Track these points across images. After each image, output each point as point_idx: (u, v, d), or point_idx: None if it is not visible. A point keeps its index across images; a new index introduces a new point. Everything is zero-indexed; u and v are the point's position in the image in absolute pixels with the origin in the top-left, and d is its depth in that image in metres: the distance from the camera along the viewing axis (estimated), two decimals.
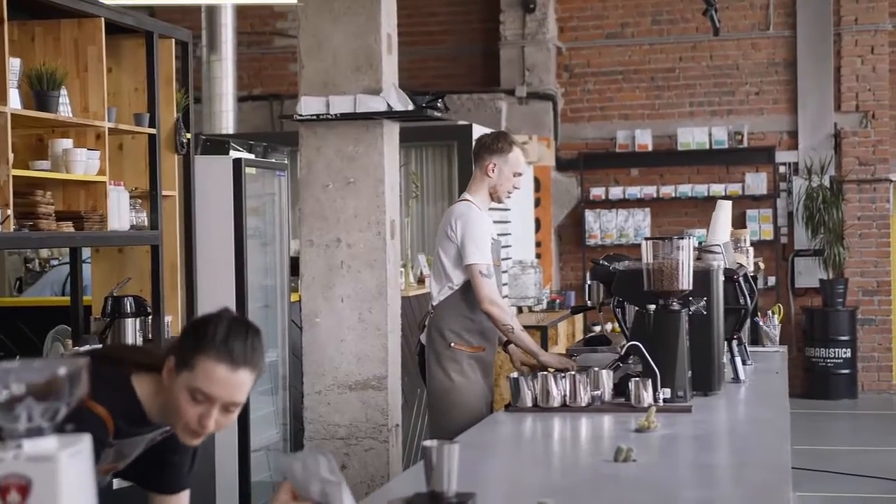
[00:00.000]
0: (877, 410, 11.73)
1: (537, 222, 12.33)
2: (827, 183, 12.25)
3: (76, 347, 5.28)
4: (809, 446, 9.56)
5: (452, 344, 5.12)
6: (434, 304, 5.22)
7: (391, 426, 5.41)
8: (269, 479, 6.61)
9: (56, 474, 1.74)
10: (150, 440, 2.72)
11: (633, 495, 2.94)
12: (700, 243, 5.53)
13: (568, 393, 4.22)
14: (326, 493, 2.47)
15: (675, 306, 4.36)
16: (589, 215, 12.85)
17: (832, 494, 8.14)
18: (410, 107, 5.69)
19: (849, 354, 12.11)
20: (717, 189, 12.50)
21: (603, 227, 12.86)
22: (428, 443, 2.67)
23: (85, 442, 1.82)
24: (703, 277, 4.52)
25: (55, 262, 8.76)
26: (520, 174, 5.28)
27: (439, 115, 5.98)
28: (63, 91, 5.00)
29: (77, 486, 1.78)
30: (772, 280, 12.45)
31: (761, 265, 7.28)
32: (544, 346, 9.23)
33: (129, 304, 5.50)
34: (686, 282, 4.36)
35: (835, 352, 12.08)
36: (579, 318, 11.37)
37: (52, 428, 1.80)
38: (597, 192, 12.88)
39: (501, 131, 5.63)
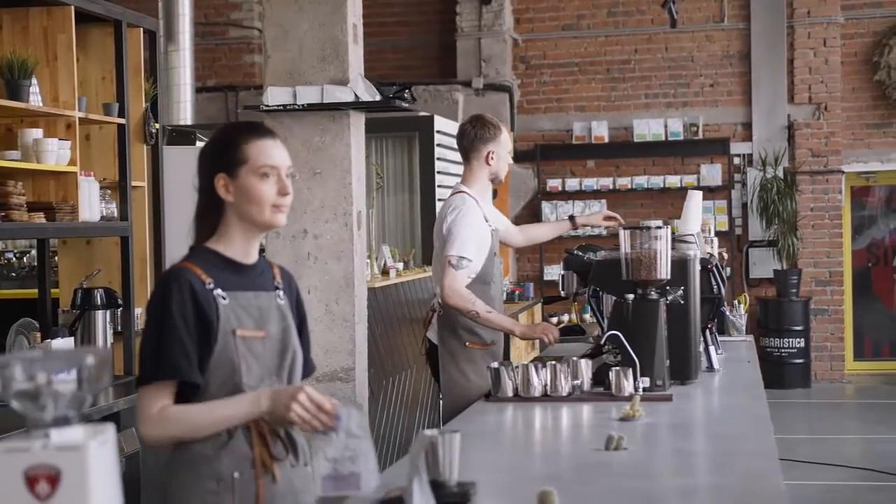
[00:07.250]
0: (830, 399, 11.87)
1: None
2: (781, 174, 12.36)
3: (46, 340, 5.22)
4: None
5: (468, 343, 5.08)
6: (441, 302, 5.12)
7: None
8: None
9: (85, 463, 1.72)
10: (266, 298, 2.85)
11: (629, 482, 2.96)
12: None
13: (549, 383, 4.24)
14: (350, 448, 2.46)
15: (654, 295, 4.39)
16: (546, 207, 12.88)
17: (789, 482, 8.21)
18: (378, 97, 5.66)
19: (802, 344, 12.24)
20: (673, 181, 12.57)
21: (560, 218, 12.88)
22: (429, 432, 2.67)
23: (110, 431, 1.80)
24: (680, 266, 4.55)
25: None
26: (510, 150, 5.31)
27: (407, 105, 5.96)
28: (34, 80, 4.94)
29: (105, 474, 1.76)
30: (727, 270, 12.54)
31: (725, 255, 7.33)
32: (506, 337, 9.21)
33: (99, 296, 5.42)
34: (664, 271, 4.38)
35: (789, 341, 12.21)
36: (537, 309, 11.42)
37: (78, 417, 1.78)
38: (553, 183, 12.92)
39: (480, 117, 5.32)
